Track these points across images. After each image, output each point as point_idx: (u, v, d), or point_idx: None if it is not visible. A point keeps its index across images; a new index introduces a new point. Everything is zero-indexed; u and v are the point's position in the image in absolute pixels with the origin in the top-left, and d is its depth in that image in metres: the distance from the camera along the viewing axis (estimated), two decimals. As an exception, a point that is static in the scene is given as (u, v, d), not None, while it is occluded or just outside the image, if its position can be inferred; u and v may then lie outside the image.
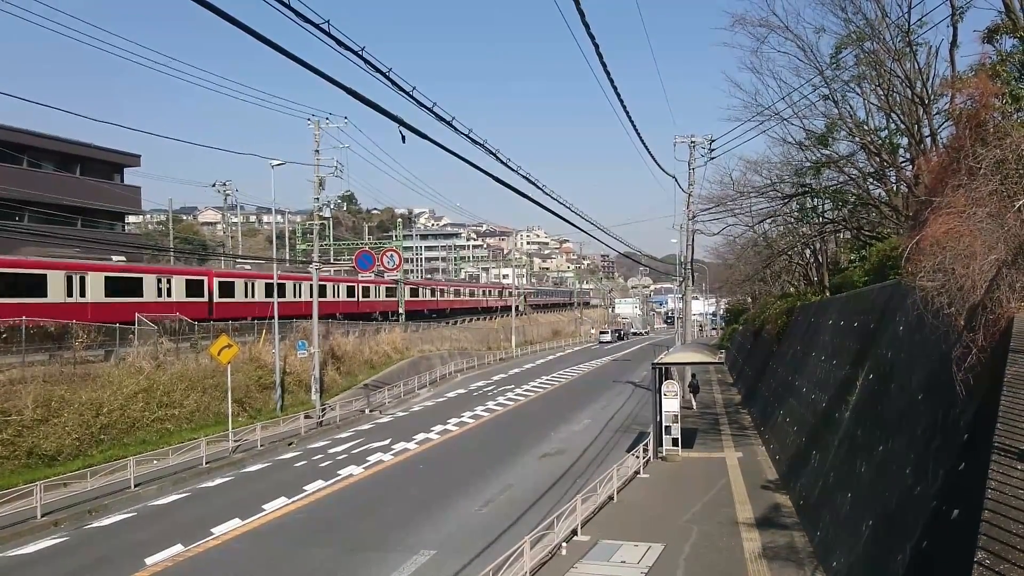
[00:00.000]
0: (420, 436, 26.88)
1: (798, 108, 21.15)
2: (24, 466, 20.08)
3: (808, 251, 30.10)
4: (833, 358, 16.47)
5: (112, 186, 46.97)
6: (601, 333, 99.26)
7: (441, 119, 10.26)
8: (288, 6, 7.11)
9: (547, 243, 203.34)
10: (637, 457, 19.87)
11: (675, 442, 21.34)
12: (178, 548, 14.49)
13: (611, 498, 16.54)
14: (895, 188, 20.20)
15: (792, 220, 28.19)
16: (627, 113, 16.84)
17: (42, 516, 16.58)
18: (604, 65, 12.54)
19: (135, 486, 19.31)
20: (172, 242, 65.99)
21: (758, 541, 13.34)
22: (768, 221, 28.41)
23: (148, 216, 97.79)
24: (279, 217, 62.04)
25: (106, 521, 16.94)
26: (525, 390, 41.05)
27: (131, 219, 60.20)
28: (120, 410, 24.07)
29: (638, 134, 21.25)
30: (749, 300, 55.93)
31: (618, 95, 14.85)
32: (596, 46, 11.51)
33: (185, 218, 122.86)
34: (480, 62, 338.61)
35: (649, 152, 27.87)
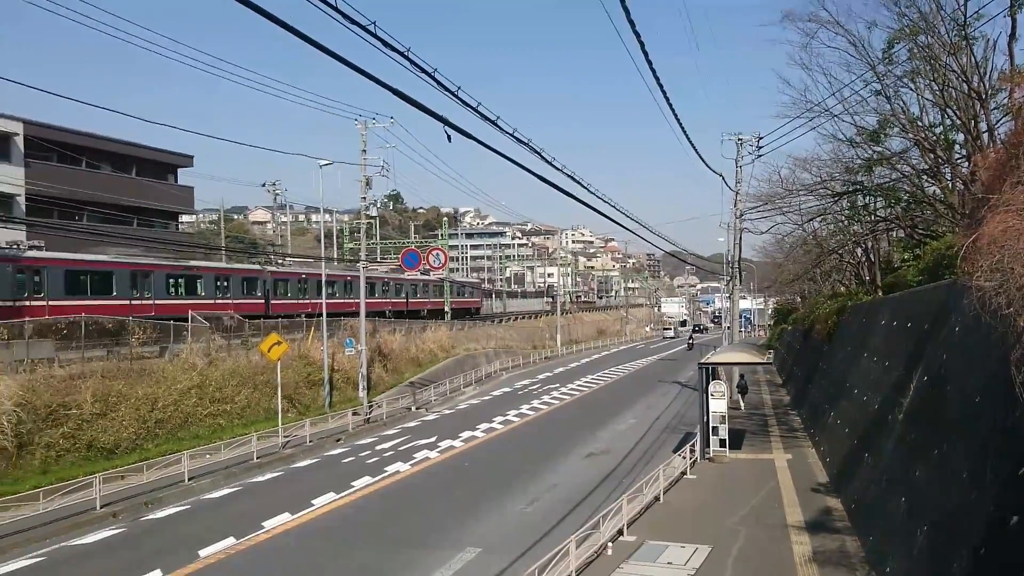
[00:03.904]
0: (466, 434, 27.03)
1: (849, 104, 20.67)
2: (84, 459, 20.74)
3: (859, 250, 29.41)
4: (886, 359, 16.11)
5: (166, 186, 48.20)
6: (664, 329, 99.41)
7: (486, 118, 10.31)
8: (336, 8, 7.22)
9: (592, 242, 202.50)
10: (684, 458, 19.70)
11: (723, 443, 21.09)
12: (230, 541, 14.81)
13: (657, 499, 16.43)
14: (950, 185, 19.63)
15: (843, 218, 27.58)
16: (673, 111, 16.71)
17: (101, 507, 17.12)
18: (650, 63, 12.47)
19: (189, 479, 19.80)
20: (223, 241, 67.38)
21: (808, 545, 13.11)
22: (818, 219, 27.86)
23: (200, 215, 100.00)
24: (327, 216, 62.85)
25: (161, 513, 17.40)
26: (570, 389, 40.98)
27: (184, 218, 61.58)
28: (174, 405, 24.71)
29: (684, 132, 21.07)
30: (798, 300, 54.93)
31: (664, 93, 14.74)
32: (641, 44, 11.45)
33: (236, 217, 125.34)
34: (524, 62, 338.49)
35: (695, 150, 27.89)
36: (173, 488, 19.18)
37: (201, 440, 24.00)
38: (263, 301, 40.61)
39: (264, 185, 65.04)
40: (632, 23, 10.46)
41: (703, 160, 47.42)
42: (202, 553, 14.10)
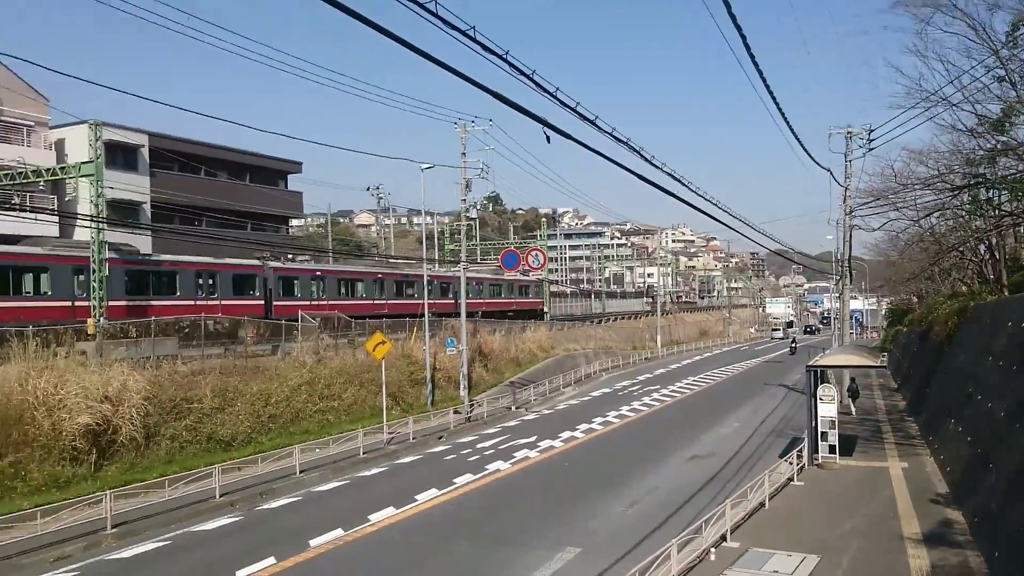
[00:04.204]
0: (565, 434, 27.05)
1: (969, 92, 19.44)
2: (204, 450, 21.94)
3: (982, 247, 27.70)
4: (1013, 363, 15.12)
5: (277, 192, 50.40)
6: (773, 330, 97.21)
7: (584, 118, 10.30)
8: (436, 15, 7.39)
9: (693, 241, 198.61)
10: (790, 463, 19.07)
11: (832, 449, 20.29)
12: (338, 532, 15.35)
13: (762, 505, 15.98)
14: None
15: (963, 213, 26.01)
16: (777, 106, 16.22)
17: (220, 496, 18.07)
18: (752, 57, 12.14)
19: (300, 472, 20.64)
20: (330, 243, 69.81)
21: (926, 559, 12.45)
22: (935, 215, 26.40)
23: (309, 219, 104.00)
24: (428, 218, 64.22)
25: (274, 504, 18.21)
26: (671, 391, 40.35)
27: (293, 222, 64.20)
28: (286, 401, 25.80)
29: (789, 127, 20.38)
30: (914, 300, 52.22)
31: (768, 87, 14.33)
32: (743, 37, 11.17)
33: (342, 221, 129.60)
34: (623, 62, 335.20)
35: (802, 145, 26.74)
36: (285, 480, 20.03)
37: (311, 435, 24.95)
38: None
39: (368, 189, 67.10)
40: (733, 16, 10.23)
41: (809, 155, 45.65)
42: (312, 543, 14.67)
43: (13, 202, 32.35)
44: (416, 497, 18.23)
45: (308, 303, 36.48)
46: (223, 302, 32.74)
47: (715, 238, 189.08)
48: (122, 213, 36.92)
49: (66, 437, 18.36)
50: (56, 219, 32.95)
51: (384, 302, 42.89)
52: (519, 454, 23.59)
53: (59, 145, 36.33)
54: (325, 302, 38.23)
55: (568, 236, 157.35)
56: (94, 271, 26.15)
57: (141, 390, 20.58)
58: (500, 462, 22.38)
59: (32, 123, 35.61)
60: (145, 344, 24.96)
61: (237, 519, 16.95)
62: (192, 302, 31.32)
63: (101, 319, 25.57)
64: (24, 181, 28.67)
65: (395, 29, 7.19)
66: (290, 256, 43.43)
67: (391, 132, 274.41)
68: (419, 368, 33.14)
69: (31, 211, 31.44)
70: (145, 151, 39.63)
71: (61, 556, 14.30)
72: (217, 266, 33.34)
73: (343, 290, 41.14)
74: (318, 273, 39.95)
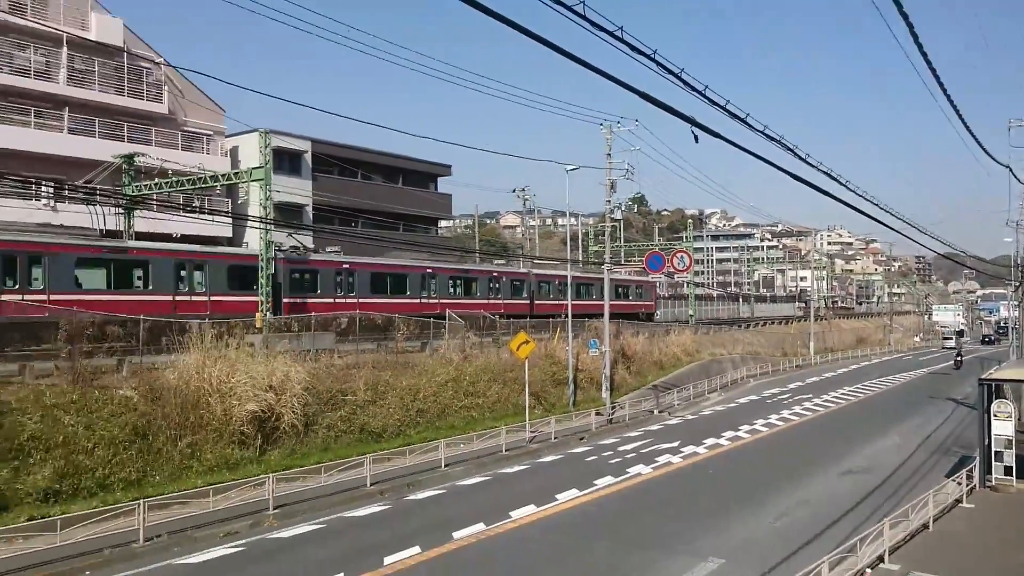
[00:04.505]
0: (710, 441, 26.36)
1: None
2: (357, 440, 23.07)
3: None
4: None
5: (428, 194, 52.26)
6: (944, 339, 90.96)
7: (734, 116, 10.03)
8: (584, 16, 7.43)
9: (851, 243, 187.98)
10: (959, 484, 17.66)
11: (1008, 471, 18.59)
12: (480, 527, 15.71)
13: (925, 526, 14.89)
14: None
15: None
16: (948, 98, 15.07)
17: (371, 485, 18.95)
18: (919, 46, 11.36)
19: (444, 466, 21.28)
20: (477, 244, 71.50)
21: (1118, 596, 11.21)
22: None
23: (457, 220, 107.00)
24: (572, 220, 64.43)
25: (421, 495, 18.89)
26: (824, 400, 38.38)
27: (442, 223, 66.25)
28: (433, 397, 26.68)
29: (962, 121, 18.85)
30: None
31: (938, 80, 13.34)
32: (910, 26, 10.47)
33: (489, 222, 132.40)
34: (775, 60, 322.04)
35: (976, 140, 24.64)
36: (431, 473, 20.72)
37: (456, 430, 25.65)
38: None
39: (514, 191, 68.10)
40: (899, 4, 9.62)
41: (985, 151, 42.20)
42: (455, 535, 15.10)
43: (194, 205, 35.39)
44: (556, 496, 18.35)
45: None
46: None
47: (875, 240, 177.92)
48: (287, 215, 39.54)
49: (235, 422, 19.83)
50: (229, 220, 35.73)
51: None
52: (661, 459, 23.23)
53: (233, 152, 39.35)
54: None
55: (715, 238, 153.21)
56: (261, 269, 28.10)
57: (301, 381, 21.87)
58: (641, 466, 22.12)
59: (211, 132, 38.77)
60: (306, 338, 26.57)
61: (386, 507, 17.71)
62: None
63: (267, 314, 27.46)
64: (203, 186, 31.31)
65: (542, 32, 7.29)
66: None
67: (537, 134, 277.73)
68: (562, 368, 33.32)
69: (209, 213, 34.25)
70: (308, 156, 42.24)
71: (230, 532, 15.49)
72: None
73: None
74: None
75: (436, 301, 36.97)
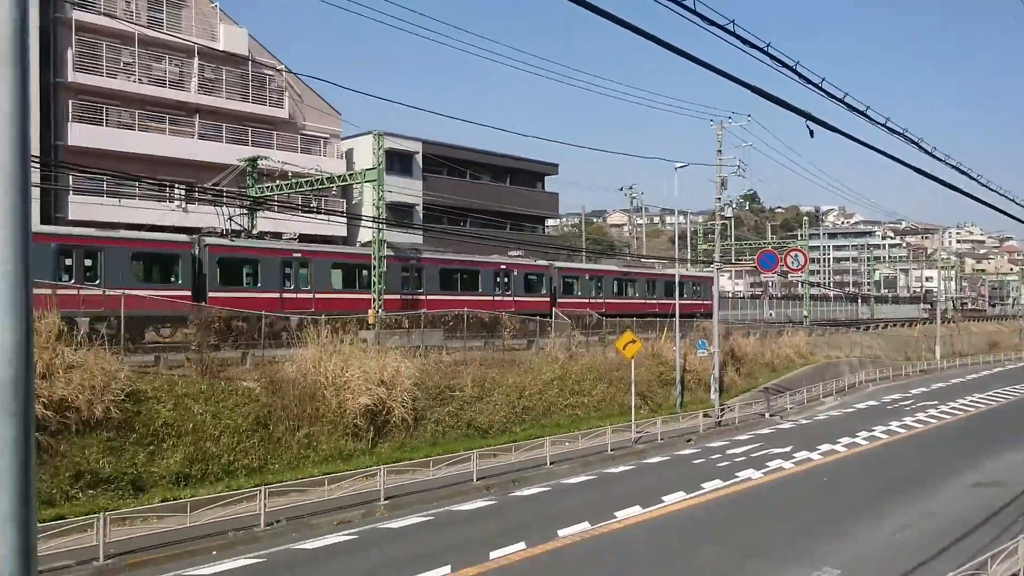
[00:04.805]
0: (824, 447, 25.36)
1: None
2: (464, 435, 23.49)
3: None
4: None
5: (535, 193, 52.56)
6: None
7: (853, 109, 9.62)
8: (694, 11, 7.31)
9: (982, 241, 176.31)
10: (1104, 501, 16.32)
11: None
12: (585, 526, 15.70)
13: (1065, 545, 13.82)
14: None
15: None
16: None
17: (477, 480, 19.27)
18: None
19: (550, 463, 21.39)
20: (584, 243, 71.37)
21: None
22: None
23: (563, 219, 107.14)
24: (681, 218, 63.31)
25: (526, 492, 19.05)
26: (951, 408, 36.19)
27: (549, 222, 66.54)
28: (538, 394, 26.85)
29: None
30: None
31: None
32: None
33: (595, 220, 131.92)
34: (900, 50, 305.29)
35: None
36: (536, 470, 20.87)
37: (561, 428, 25.72)
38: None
39: (621, 189, 67.77)
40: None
41: None
42: (560, 533, 15.15)
43: (312, 205, 36.94)
44: (663, 498, 18.11)
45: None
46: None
47: (1011, 238, 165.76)
48: (398, 214, 40.67)
49: (349, 415, 20.59)
50: (344, 220, 37.08)
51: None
52: (772, 464, 22.53)
53: (348, 154, 40.82)
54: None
55: (832, 236, 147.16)
56: (374, 267, 29.02)
57: (411, 376, 22.45)
58: (752, 470, 21.53)
59: (327, 135, 40.36)
60: (415, 334, 27.27)
61: (491, 503, 17.96)
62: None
63: (380, 311, 28.34)
64: (320, 187, 32.64)
65: (650, 29, 7.23)
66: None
67: (645, 132, 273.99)
68: (668, 369, 32.84)
69: (325, 213, 35.67)
70: (419, 157, 43.32)
71: (343, 520, 16.12)
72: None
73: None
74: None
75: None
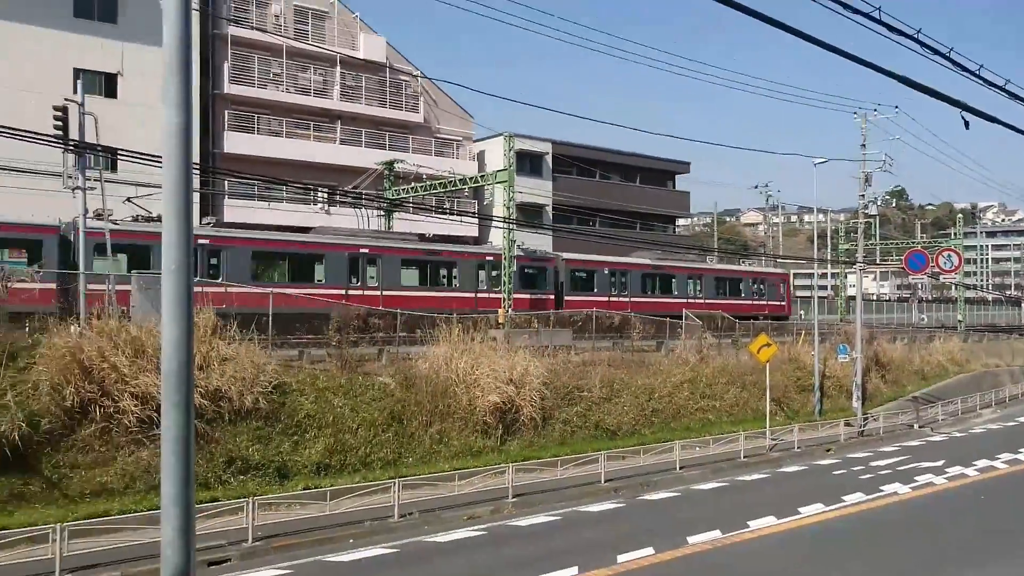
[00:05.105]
0: (982, 463, 23.51)
1: None
2: (591, 436, 23.41)
3: None
4: None
5: (665, 192, 51.72)
6: None
7: (1015, 97, 8.90)
8: (840, 2, 6.99)
9: None
10: None
11: None
12: (716, 533, 15.25)
13: None
14: None
15: None
16: None
17: (604, 482, 19.17)
18: None
19: (679, 468, 20.97)
20: (716, 243, 69.51)
21: None
22: None
23: (695, 219, 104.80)
24: (820, 216, 60.41)
25: (654, 496, 18.76)
26: None
27: (680, 221, 65.23)
28: (668, 397, 26.38)
29: None
30: None
31: None
32: None
33: (728, 220, 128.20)
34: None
35: None
36: (665, 474, 20.52)
37: (691, 432, 25.16)
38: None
39: (756, 187, 65.50)
40: None
41: None
42: (690, 540, 14.78)
43: (445, 206, 37.94)
44: (800, 509, 17.33)
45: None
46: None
47: None
48: (528, 215, 41.06)
49: (479, 412, 20.97)
50: (475, 221, 37.84)
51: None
52: (922, 478, 21.10)
53: (480, 156, 41.62)
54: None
55: (991, 235, 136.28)
56: (505, 268, 29.44)
57: (540, 375, 22.58)
58: (898, 484, 20.24)
59: (460, 138, 41.33)
60: (544, 334, 27.42)
61: (619, 505, 17.81)
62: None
63: (509, 310, 28.72)
64: (453, 188, 33.46)
65: (788, 20, 6.98)
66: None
67: (781, 128, 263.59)
68: (806, 374, 31.44)
69: (457, 214, 36.54)
70: (549, 158, 43.58)
71: (472, 516, 16.43)
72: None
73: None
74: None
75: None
